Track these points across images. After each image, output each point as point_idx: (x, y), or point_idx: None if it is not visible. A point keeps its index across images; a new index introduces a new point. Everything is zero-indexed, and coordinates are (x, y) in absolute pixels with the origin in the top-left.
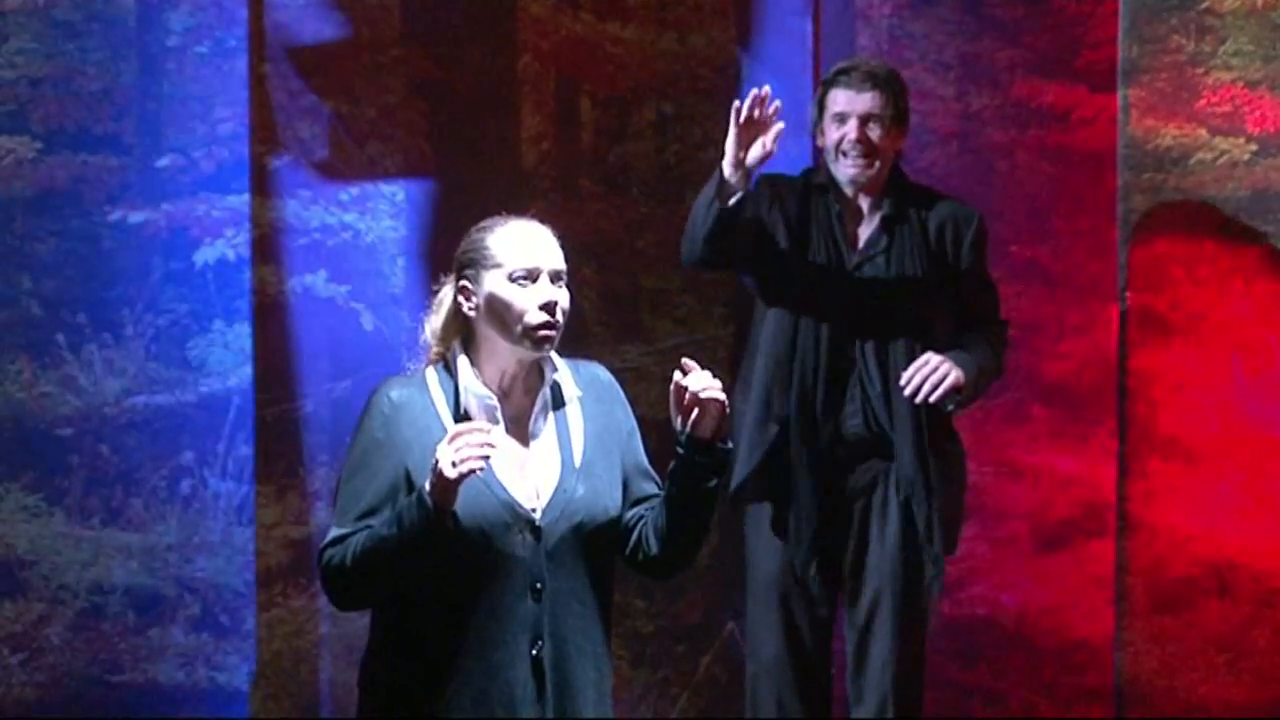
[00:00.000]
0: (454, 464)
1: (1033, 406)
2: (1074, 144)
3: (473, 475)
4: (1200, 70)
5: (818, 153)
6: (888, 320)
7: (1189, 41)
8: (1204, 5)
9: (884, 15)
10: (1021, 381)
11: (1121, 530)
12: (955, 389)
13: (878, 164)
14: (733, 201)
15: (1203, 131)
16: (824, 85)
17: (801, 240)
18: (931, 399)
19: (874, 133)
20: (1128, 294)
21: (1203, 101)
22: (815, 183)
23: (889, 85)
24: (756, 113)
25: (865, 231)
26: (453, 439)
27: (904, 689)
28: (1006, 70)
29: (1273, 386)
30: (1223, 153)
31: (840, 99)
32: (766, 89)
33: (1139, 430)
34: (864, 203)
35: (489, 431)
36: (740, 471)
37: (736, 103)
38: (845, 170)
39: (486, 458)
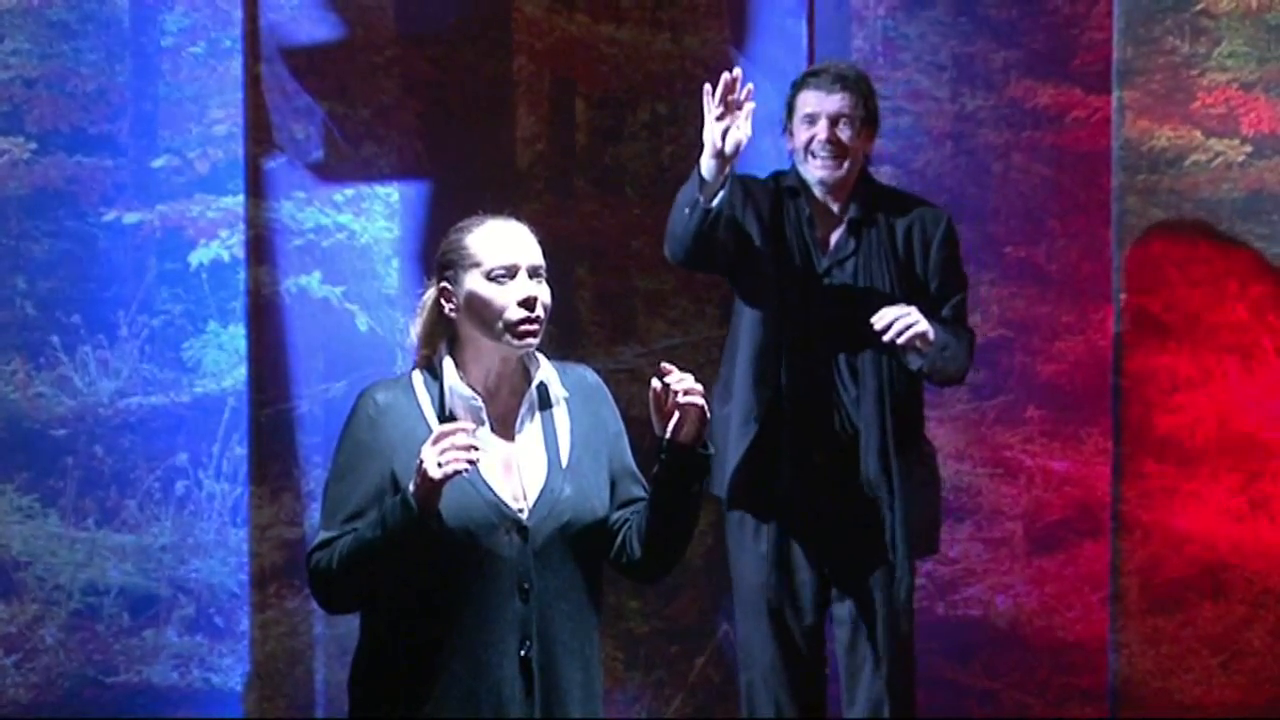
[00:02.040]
0: (439, 465)
1: (1027, 407)
2: (1069, 145)
3: (458, 476)
4: (1195, 72)
5: (790, 155)
6: (857, 324)
7: (1184, 43)
8: (1199, 7)
9: (878, 16)
10: (1016, 382)
11: (1116, 531)
12: (923, 339)
13: (847, 164)
14: (716, 201)
15: (1197, 133)
16: (794, 87)
17: (774, 243)
18: (899, 340)
19: (844, 133)
20: (1122, 295)
21: (1197, 103)
22: (785, 185)
23: (859, 87)
24: (730, 96)
25: (835, 236)
26: (437, 440)
27: (896, 689)
28: (1001, 71)
29: (1267, 388)
30: (1217, 154)
31: (810, 100)
32: (738, 71)
33: (1133, 431)
34: (834, 205)
35: (474, 432)
36: (726, 473)
37: (707, 86)
38: (814, 171)
39: (473, 461)
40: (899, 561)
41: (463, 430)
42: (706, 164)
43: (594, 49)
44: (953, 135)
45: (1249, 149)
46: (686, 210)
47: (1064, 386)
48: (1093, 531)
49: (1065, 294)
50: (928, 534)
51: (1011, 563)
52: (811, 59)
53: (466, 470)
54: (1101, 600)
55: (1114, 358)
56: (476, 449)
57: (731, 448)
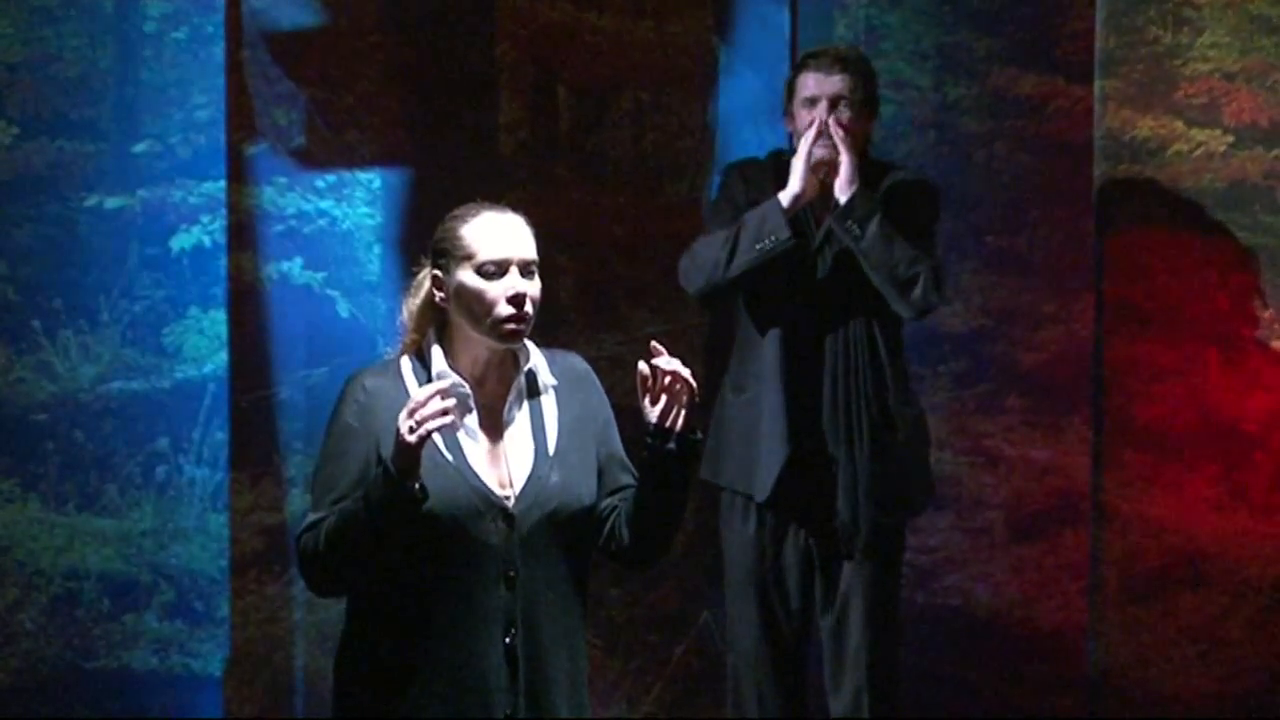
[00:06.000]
0: (411, 429)
1: (1008, 397)
2: (1050, 134)
3: (445, 463)
4: (1177, 62)
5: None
6: (849, 298)
7: (1166, 33)
8: None
9: (861, 5)
10: (997, 372)
11: (1096, 521)
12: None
13: None
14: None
15: (1179, 123)
16: (794, 70)
17: None
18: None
19: (843, 115)
20: (1103, 285)
21: (1180, 93)
22: (785, 161)
23: (858, 68)
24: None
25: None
26: (411, 407)
27: (879, 679)
28: (983, 60)
29: (1247, 378)
30: (1199, 144)
31: (810, 82)
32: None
33: (1114, 421)
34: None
35: (449, 387)
36: (721, 453)
37: (810, 119)
38: (815, 153)
39: (450, 421)
40: (864, 519)
41: (437, 389)
42: (797, 183)
43: (577, 36)
44: (935, 124)
45: (1231, 139)
46: (763, 243)
47: (1045, 376)
48: (1072, 521)
49: (1046, 283)
50: (916, 496)
51: (991, 552)
52: (794, 47)
53: (444, 424)
54: (1081, 590)
55: (1095, 347)
56: (448, 413)
57: (728, 425)
